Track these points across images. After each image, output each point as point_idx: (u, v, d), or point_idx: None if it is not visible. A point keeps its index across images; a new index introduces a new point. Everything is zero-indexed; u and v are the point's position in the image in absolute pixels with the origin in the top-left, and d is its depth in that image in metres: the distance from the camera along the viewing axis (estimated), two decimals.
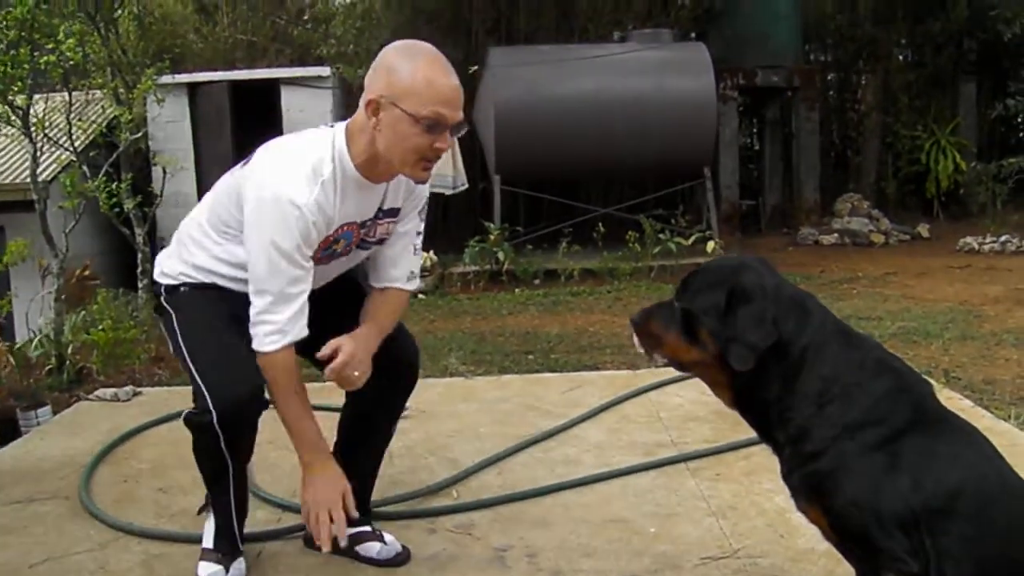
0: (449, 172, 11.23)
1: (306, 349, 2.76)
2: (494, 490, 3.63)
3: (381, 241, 2.96)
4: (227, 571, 2.88)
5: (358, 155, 2.71)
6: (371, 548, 3.04)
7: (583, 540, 3.18)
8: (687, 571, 2.94)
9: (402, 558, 3.04)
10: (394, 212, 2.91)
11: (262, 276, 2.66)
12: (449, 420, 4.26)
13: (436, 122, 2.60)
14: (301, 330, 2.71)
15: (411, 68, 2.60)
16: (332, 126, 2.80)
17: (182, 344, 2.82)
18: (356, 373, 2.74)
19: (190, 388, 2.76)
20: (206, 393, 2.66)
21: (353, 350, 2.73)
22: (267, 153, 2.77)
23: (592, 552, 3.09)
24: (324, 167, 2.68)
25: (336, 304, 2.90)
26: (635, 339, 2.36)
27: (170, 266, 2.98)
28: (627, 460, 3.88)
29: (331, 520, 2.72)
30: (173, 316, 2.88)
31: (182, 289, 2.91)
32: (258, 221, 2.66)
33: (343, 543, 2.71)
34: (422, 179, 2.79)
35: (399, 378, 3.00)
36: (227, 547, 2.90)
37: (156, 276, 3.01)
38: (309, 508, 2.74)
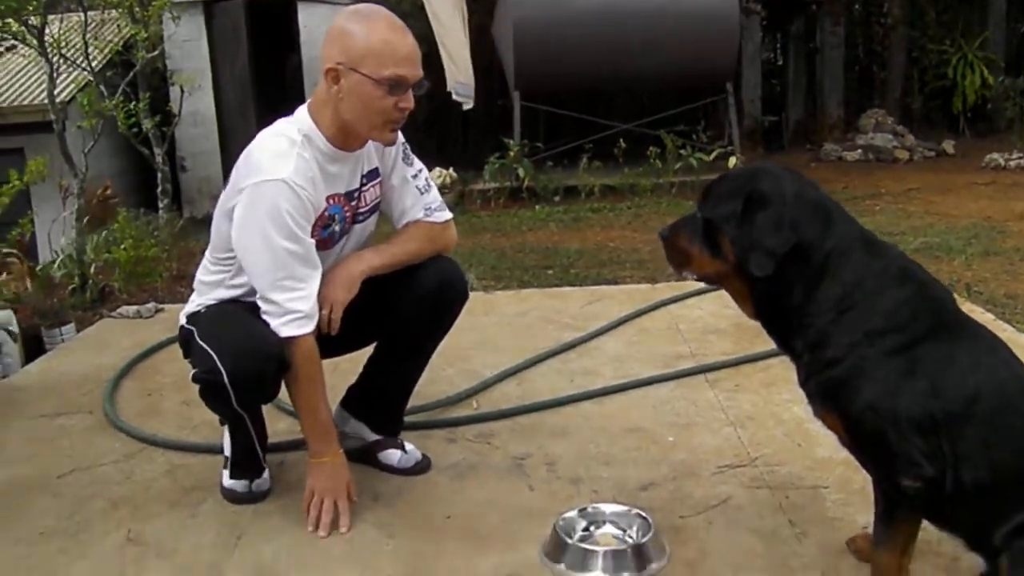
0: (473, 83, 11.11)
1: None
2: (513, 401, 3.65)
3: (375, 209, 2.95)
4: (251, 484, 2.93)
5: (326, 127, 2.69)
6: (392, 456, 3.08)
7: (602, 449, 3.21)
8: (704, 479, 2.96)
9: (422, 466, 3.08)
10: (374, 173, 2.90)
11: (270, 269, 2.61)
12: (469, 333, 4.27)
13: (397, 82, 2.59)
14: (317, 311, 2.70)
15: (366, 31, 2.58)
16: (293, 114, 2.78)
17: (196, 337, 2.76)
18: (324, 311, 2.72)
19: None
20: (214, 355, 2.63)
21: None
22: (240, 160, 2.72)
23: (610, 460, 3.12)
24: (295, 137, 2.67)
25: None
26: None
27: (190, 308, 2.94)
28: (646, 372, 3.90)
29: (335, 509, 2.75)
30: (193, 330, 2.81)
31: (202, 311, 2.88)
32: (250, 215, 2.61)
33: (344, 530, 2.73)
34: (390, 141, 2.77)
35: (434, 298, 2.96)
36: (249, 467, 2.94)
37: (181, 322, 2.94)
38: (315, 495, 2.75)
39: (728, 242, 2.17)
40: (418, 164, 3.00)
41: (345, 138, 2.72)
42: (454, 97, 11.07)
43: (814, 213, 2.13)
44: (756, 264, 2.10)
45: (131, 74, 8.56)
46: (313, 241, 2.68)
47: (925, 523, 2.14)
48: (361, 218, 2.91)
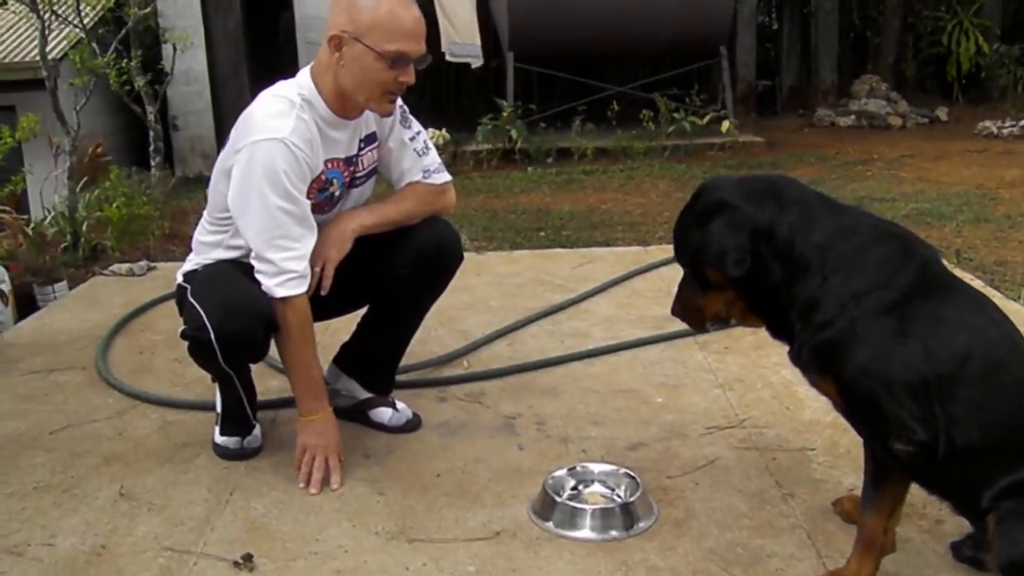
0: (478, 41, 11.04)
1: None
2: (504, 361, 3.68)
3: (372, 173, 2.96)
4: (242, 440, 2.96)
5: (327, 92, 2.69)
6: (383, 414, 3.10)
7: (591, 409, 3.23)
8: (693, 439, 2.99)
9: (413, 424, 3.11)
10: (372, 137, 2.90)
11: (266, 228, 2.60)
12: (461, 293, 4.29)
13: (400, 57, 2.59)
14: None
15: (374, 2, 2.57)
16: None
17: (188, 294, 2.77)
18: (316, 269, 2.73)
19: None
20: (203, 313, 2.64)
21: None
22: (240, 120, 2.71)
23: (600, 420, 3.15)
24: (295, 99, 2.66)
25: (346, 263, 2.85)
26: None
27: (188, 266, 2.94)
28: (636, 333, 3.92)
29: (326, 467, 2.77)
30: (188, 288, 2.82)
31: (199, 270, 2.87)
32: (247, 174, 2.60)
33: (336, 487, 2.75)
34: (387, 112, 2.77)
35: (429, 258, 2.97)
36: (240, 424, 2.96)
37: (177, 280, 2.94)
38: (306, 451, 2.77)
39: (709, 269, 2.21)
40: (416, 126, 2.99)
41: (343, 105, 2.72)
42: (448, 58, 11.01)
43: (763, 196, 2.17)
44: (732, 265, 2.13)
45: (123, 31, 8.48)
46: (309, 202, 2.68)
47: (911, 486, 2.16)
48: (358, 182, 2.91)
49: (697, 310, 2.33)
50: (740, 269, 2.13)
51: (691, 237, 2.24)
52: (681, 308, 2.38)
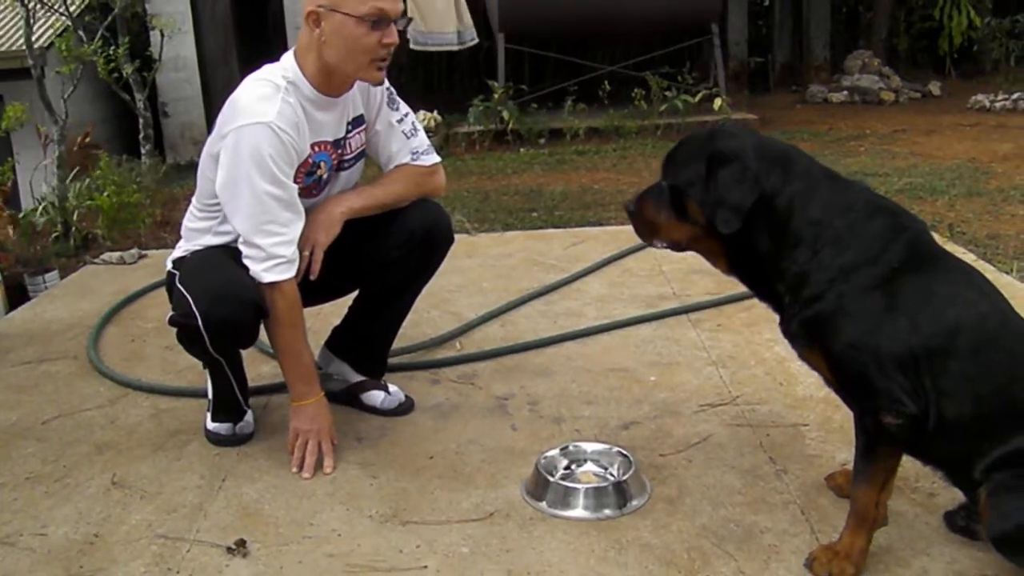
0: (451, 28, 10.99)
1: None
2: (496, 342, 3.67)
3: (361, 155, 2.94)
4: (234, 426, 2.95)
5: (312, 73, 2.67)
6: (375, 397, 3.09)
7: (584, 388, 3.23)
8: (686, 417, 2.99)
9: (405, 407, 3.10)
10: (360, 120, 2.88)
11: (254, 213, 2.58)
12: (453, 275, 4.28)
13: (379, 17, 2.57)
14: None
15: None
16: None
17: (177, 281, 2.75)
18: (305, 252, 2.72)
19: None
20: (190, 300, 2.63)
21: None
22: (225, 106, 2.69)
23: (593, 400, 3.14)
24: (279, 82, 2.64)
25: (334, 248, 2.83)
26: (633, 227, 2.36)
27: (177, 253, 2.92)
28: (629, 312, 3.92)
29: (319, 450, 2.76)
30: (176, 274, 2.81)
31: (188, 256, 2.85)
32: (234, 159, 2.58)
33: (329, 470, 2.74)
34: (378, 80, 2.74)
35: (420, 241, 2.95)
36: (231, 410, 2.96)
37: (167, 267, 2.93)
38: (299, 436, 2.76)
39: (695, 205, 2.17)
40: (404, 108, 2.97)
41: (330, 82, 2.70)
42: (411, 46, 10.94)
43: (774, 162, 2.14)
44: (723, 221, 2.11)
45: (110, 18, 8.43)
46: (296, 187, 2.67)
47: (903, 460, 2.16)
48: (346, 165, 2.89)
49: (653, 225, 2.29)
50: (728, 228, 2.11)
51: (691, 167, 2.18)
52: (639, 214, 2.32)
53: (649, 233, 2.32)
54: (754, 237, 2.14)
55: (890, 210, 2.13)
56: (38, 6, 7.43)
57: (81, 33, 7.81)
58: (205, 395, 3.02)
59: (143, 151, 8.59)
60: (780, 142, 2.24)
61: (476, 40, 11.46)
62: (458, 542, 2.35)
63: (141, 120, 8.65)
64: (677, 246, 2.31)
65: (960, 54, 14.60)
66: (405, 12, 2.67)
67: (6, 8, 10.15)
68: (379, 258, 2.94)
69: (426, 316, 3.89)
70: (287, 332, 2.71)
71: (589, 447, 2.73)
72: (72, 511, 2.57)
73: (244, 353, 2.96)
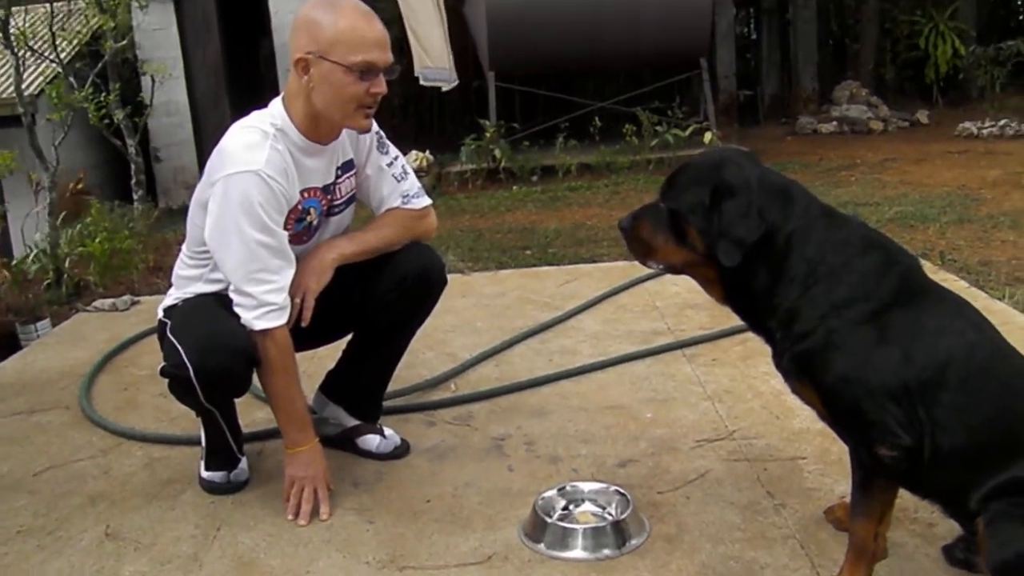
0: (447, 64, 11.06)
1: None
2: (492, 382, 3.65)
3: (351, 200, 2.93)
4: (229, 474, 2.93)
5: (300, 119, 2.67)
6: (371, 441, 3.07)
7: (580, 427, 3.21)
8: (683, 453, 2.97)
9: (401, 450, 3.08)
10: (349, 165, 2.88)
11: (244, 261, 2.57)
12: (447, 315, 4.27)
13: (368, 68, 2.57)
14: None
15: (333, 19, 2.55)
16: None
17: (168, 331, 2.73)
18: (296, 300, 2.70)
19: None
20: (181, 350, 2.60)
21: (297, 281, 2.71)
22: (213, 154, 2.68)
23: (589, 438, 3.12)
24: (267, 129, 2.64)
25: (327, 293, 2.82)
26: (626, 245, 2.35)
27: (168, 301, 2.91)
28: (624, 349, 3.90)
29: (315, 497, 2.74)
30: (167, 323, 2.78)
31: (178, 304, 2.84)
32: (223, 207, 2.57)
33: (325, 517, 2.72)
34: (365, 128, 2.74)
35: (413, 285, 2.94)
36: (225, 458, 2.93)
37: (158, 315, 2.91)
38: (295, 483, 2.74)
39: (695, 232, 2.16)
40: (394, 152, 2.97)
41: (318, 129, 2.69)
42: (422, 82, 11.01)
43: (775, 196, 2.13)
44: (725, 253, 2.10)
45: (100, 64, 8.48)
46: (286, 233, 2.66)
47: (901, 491, 2.14)
48: (336, 210, 2.89)
49: (648, 245, 2.27)
50: (730, 261, 2.10)
51: (695, 193, 2.16)
52: (634, 232, 2.29)
53: (644, 253, 2.30)
54: (751, 270, 2.13)
55: (883, 246, 2.13)
56: (28, 53, 7.46)
57: (72, 80, 7.85)
58: (199, 443, 3.00)
59: (135, 196, 8.60)
60: (781, 176, 2.23)
61: (457, 81, 11.52)
62: None
63: (133, 165, 8.67)
64: (672, 269, 2.31)
65: (946, 82, 14.74)
66: (395, 63, 2.67)
67: None
68: (372, 303, 2.92)
69: (421, 357, 3.88)
70: (280, 379, 2.69)
71: (586, 486, 2.70)
72: (65, 565, 2.54)
73: (238, 400, 2.94)
